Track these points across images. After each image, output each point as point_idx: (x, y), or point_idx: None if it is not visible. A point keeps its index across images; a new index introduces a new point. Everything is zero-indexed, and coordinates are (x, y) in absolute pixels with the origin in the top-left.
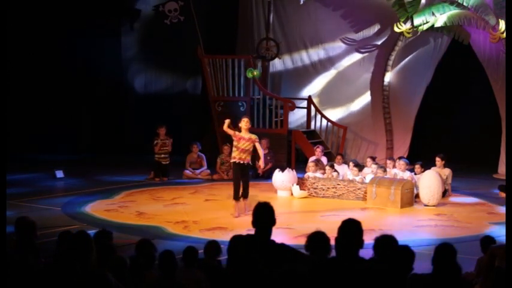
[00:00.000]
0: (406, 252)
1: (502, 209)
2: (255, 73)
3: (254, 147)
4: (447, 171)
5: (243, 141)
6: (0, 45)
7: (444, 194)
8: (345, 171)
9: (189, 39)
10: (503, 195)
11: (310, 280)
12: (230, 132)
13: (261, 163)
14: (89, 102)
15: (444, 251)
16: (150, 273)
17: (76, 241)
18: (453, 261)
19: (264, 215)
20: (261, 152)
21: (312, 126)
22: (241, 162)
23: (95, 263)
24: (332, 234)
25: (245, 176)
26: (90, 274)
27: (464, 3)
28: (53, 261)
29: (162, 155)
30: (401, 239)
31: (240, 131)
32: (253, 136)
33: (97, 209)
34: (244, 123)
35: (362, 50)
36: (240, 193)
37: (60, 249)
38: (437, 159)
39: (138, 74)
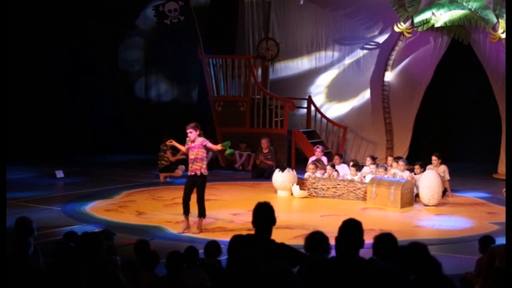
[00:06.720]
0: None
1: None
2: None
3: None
4: (443, 168)
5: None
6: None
7: (444, 193)
8: (345, 171)
9: (189, 39)
10: None
11: (309, 279)
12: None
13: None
14: (92, 102)
15: (414, 251)
16: (147, 274)
17: (87, 242)
18: (427, 259)
19: (264, 215)
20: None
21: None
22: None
23: (103, 263)
24: (332, 234)
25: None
26: (101, 273)
27: (464, 3)
28: (54, 261)
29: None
30: (401, 239)
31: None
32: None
33: (97, 209)
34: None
35: (362, 50)
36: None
37: (65, 249)
38: (434, 158)
39: (138, 75)
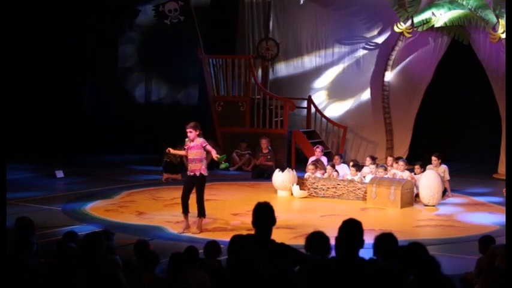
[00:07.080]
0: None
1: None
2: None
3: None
4: (443, 168)
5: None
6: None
7: (444, 193)
8: (345, 171)
9: (189, 39)
10: None
11: (309, 279)
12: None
13: None
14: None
15: (412, 251)
16: (148, 274)
17: (88, 242)
18: (426, 259)
19: (264, 215)
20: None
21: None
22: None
23: (103, 263)
24: (332, 234)
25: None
26: (101, 273)
27: (464, 3)
28: (54, 261)
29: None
30: (401, 239)
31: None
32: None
33: (97, 209)
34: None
35: (362, 50)
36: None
37: (65, 249)
38: (434, 158)
39: (138, 74)
